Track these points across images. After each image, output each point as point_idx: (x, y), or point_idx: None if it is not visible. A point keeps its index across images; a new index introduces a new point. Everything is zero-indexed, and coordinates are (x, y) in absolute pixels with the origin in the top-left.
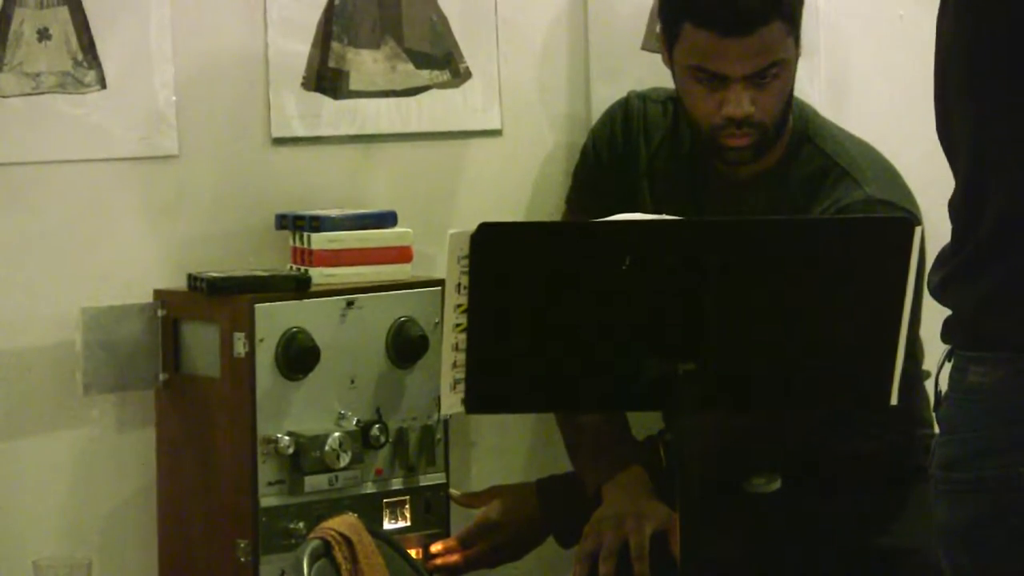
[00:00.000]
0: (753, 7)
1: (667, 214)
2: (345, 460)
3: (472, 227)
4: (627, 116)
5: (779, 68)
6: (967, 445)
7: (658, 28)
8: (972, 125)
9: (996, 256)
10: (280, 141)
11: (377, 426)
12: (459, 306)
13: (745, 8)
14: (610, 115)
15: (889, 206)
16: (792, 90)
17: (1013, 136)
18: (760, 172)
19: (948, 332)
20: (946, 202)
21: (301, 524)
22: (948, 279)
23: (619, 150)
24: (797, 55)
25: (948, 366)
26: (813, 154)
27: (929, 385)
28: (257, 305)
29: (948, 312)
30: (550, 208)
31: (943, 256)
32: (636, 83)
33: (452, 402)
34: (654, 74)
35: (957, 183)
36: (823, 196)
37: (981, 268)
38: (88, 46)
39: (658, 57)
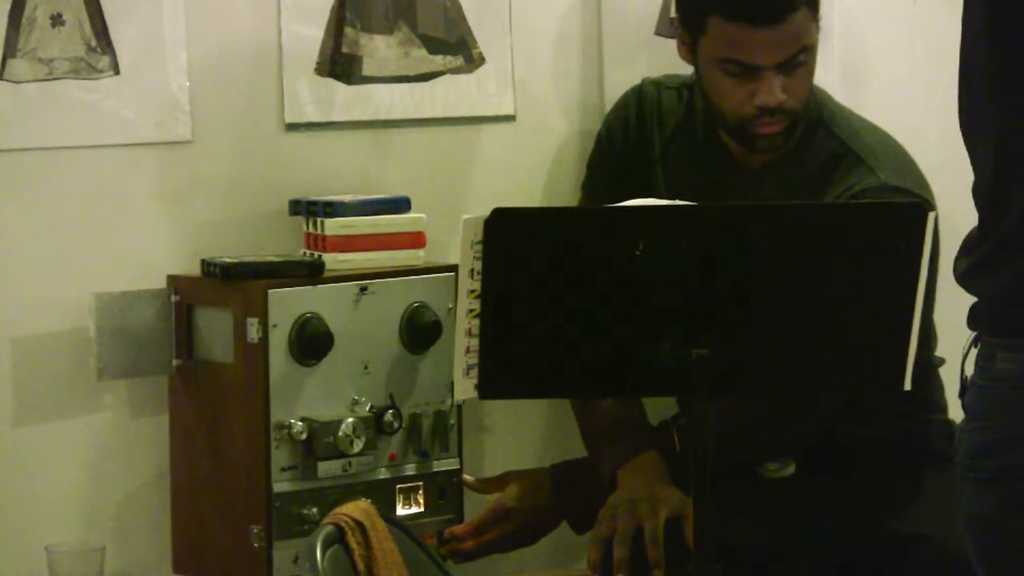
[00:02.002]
0: None
1: (681, 201)
2: (358, 446)
3: (485, 212)
4: (641, 103)
5: (807, 54)
6: (995, 432)
7: (673, 21)
8: (998, 115)
9: None
10: (293, 127)
11: (390, 412)
12: (472, 291)
13: None
14: (624, 102)
15: (903, 192)
16: (814, 73)
17: None
18: (774, 159)
19: (975, 319)
20: (961, 185)
21: (315, 510)
22: (976, 266)
23: (633, 137)
24: (818, 39)
25: (974, 352)
26: (827, 140)
27: (942, 371)
28: (271, 291)
29: (963, 299)
30: (564, 193)
31: (970, 243)
32: (650, 68)
33: (465, 387)
34: (668, 59)
35: (982, 171)
36: (837, 182)
37: (1011, 255)
38: (101, 32)
39: (671, 42)
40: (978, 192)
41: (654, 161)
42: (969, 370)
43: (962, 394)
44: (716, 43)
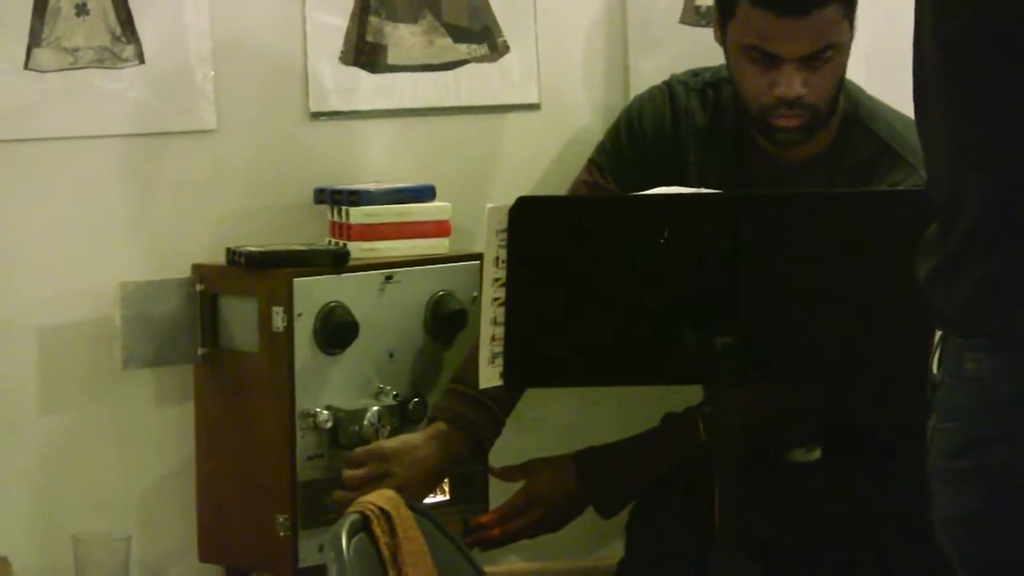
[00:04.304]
0: None
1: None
2: (383, 434)
3: (510, 201)
4: (675, 104)
5: (833, 51)
6: (970, 433)
7: (699, 10)
8: (951, 120)
9: (987, 246)
10: (318, 115)
11: (415, 400)
12: (497, 280)
13: None
14: (659, 96)
15: None
16: (844, 72)
17: (998, 127)
18: (811, 156)
19: (941, 320)
20: None
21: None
22: (938, 270)
23: (667, 136)
24: (851, 38)
25: (940, 351)
26: (865, 137)
27: None
28: (295, 279)
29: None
30: None
31: (930, 245)
32: (675, 57)
33: (491, 376)
34: (693, 49)
35: (937, 174)
36: (877, 181)
37: (970, 259)
38: (126, 21)
39: (697, 31)
40: (935, 192)
41: (689, 165)
42: (936, 369)
43: (931, 393)
44: (743, 28)
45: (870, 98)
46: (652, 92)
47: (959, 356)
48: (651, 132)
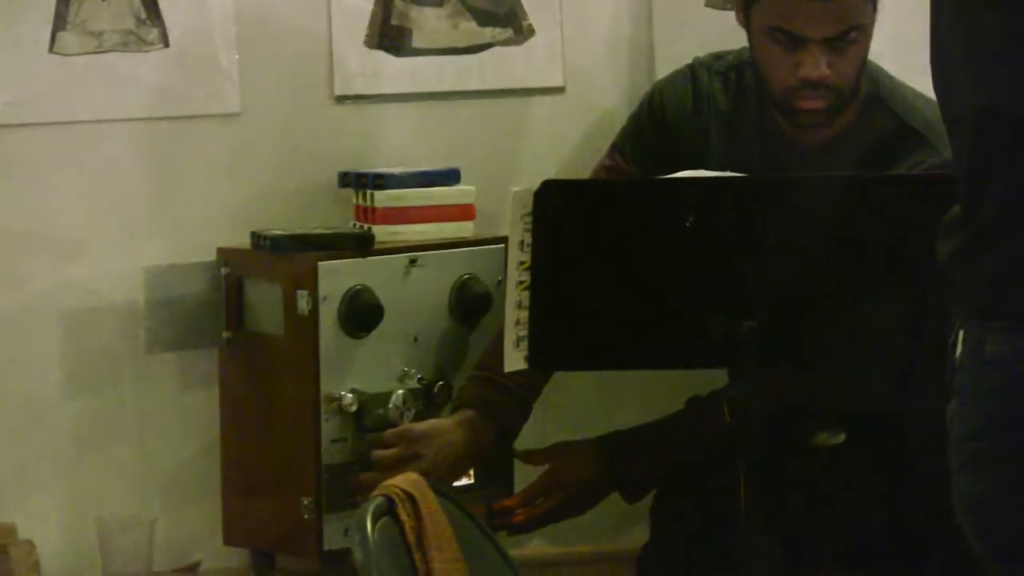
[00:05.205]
0: None
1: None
2: (408, 418)
3: (535, 184)
4: (697, 88)
5: (857, 33)
6: (990, 416)
7: None
8: (973, 100)
9: (1010, 228)
10: (343, 99)
11: (440, 384)
12: (522, 263)
13: None
14: (681, 80)
15: None
16: (867, 55)
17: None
18: (832, 137)
19: (961, 302)
20: None
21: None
22: (958, 252)
23: (688, 120)
24: (874, 21)
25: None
26: (886, 118)
27: None
28: (320, 263)
29: None
30: None
31: (951, 226)
32: (700, 40)
33: (515, 359)
34: (719, 32)
35: (960, 154)
36: (900, 161)
37: (992, 241)
38: (151, 4)
39: (723, 15)
40: (958, 172)
41: (711, 150)
42: (957, 352)
43: (951, 376)
44: (768, 11)
45: (891, 79)
46: (674, 76)
47: (979, 338)
48: (673, 116)
